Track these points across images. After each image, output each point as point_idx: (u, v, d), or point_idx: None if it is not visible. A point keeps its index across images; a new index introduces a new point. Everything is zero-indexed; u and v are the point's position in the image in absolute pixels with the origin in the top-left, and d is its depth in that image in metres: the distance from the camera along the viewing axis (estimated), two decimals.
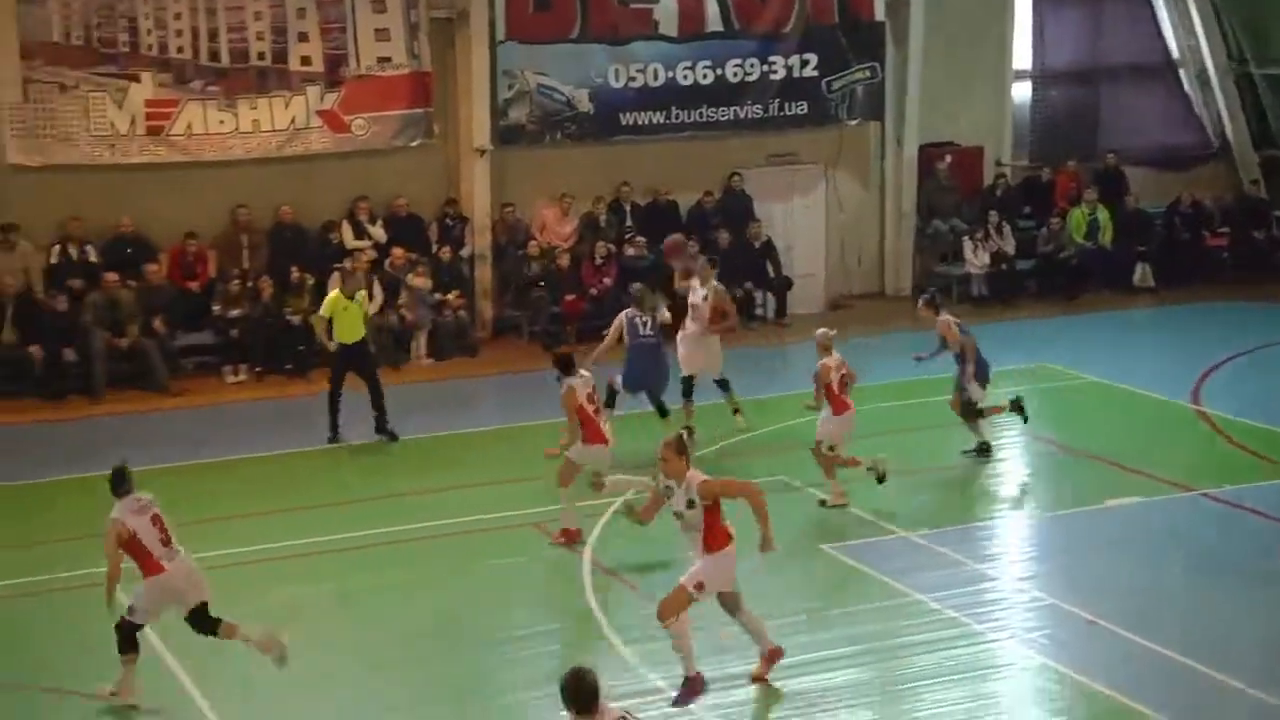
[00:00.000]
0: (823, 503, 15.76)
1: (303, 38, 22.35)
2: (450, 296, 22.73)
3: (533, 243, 23.41)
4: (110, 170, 21.62)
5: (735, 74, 24.39)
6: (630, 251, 23.62)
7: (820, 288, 25.53)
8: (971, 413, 17.23)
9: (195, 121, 21.84)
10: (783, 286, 24.61)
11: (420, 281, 22.44)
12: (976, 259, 25.27)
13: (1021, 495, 17.11)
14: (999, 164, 26.62)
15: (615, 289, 22.35)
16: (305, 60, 22.43)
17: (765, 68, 24.54)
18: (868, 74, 25.18)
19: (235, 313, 21.64)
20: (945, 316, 17.33)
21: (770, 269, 24.57)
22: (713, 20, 24.18)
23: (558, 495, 15.07)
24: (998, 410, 17.47)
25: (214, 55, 21.94)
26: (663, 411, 18.03)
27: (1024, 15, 26.88)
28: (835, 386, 15.71)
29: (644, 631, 13.00)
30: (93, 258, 21.46)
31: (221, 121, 22.00)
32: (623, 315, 18.15)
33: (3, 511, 16.50)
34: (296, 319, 21.69)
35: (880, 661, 12.62)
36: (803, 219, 25.57)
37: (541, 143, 23.84)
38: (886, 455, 15.96)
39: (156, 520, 11.73)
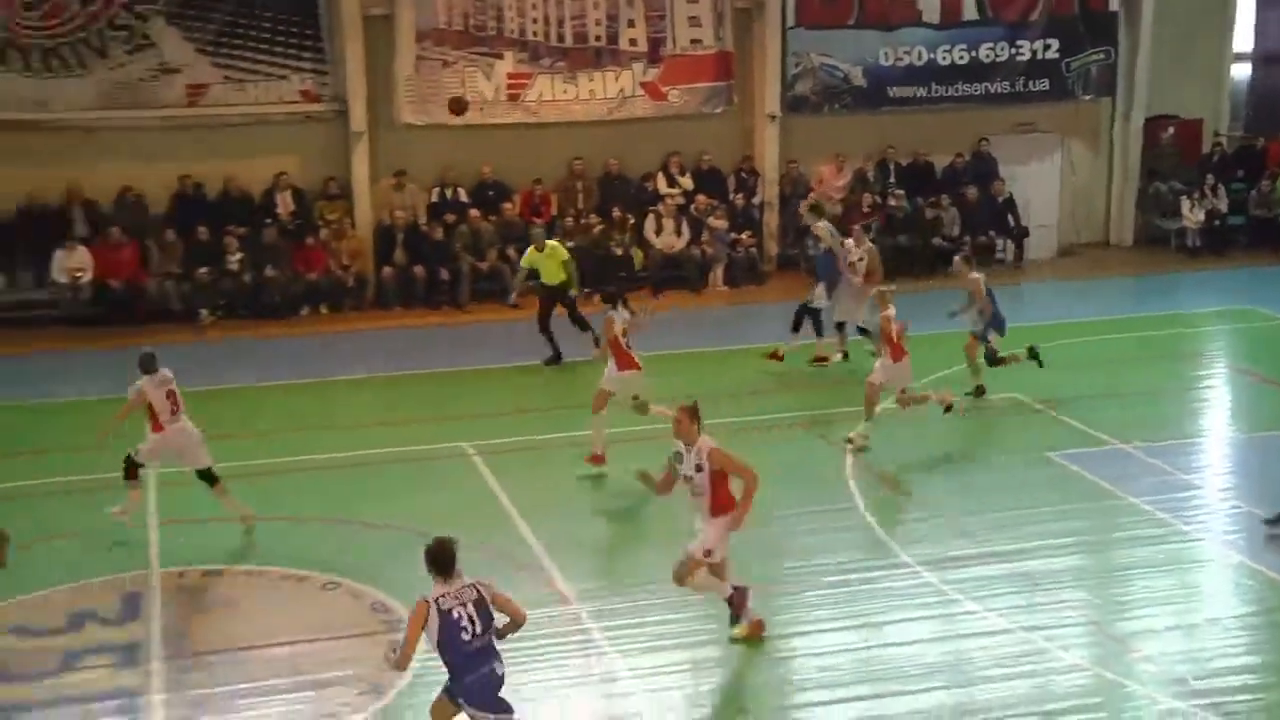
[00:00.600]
0: (850, 440, 14.61)
1: (630, 23, 22.47)
2: (743, 236, 22.77)
3: (811, 193, 23.24)
4: (478, 129, 22.00)
5: (987, 55, 23.68)
6: (892, 202, 23.33)
7: (1053, 237, 24.70)
8: (995, 360, 16.11)
9: (545, 91, 22.21)
10: (1021, 235, 23.91)
11: (718, 223, 22.56)
12: (1192, 215, 24.11)
13: (1225, 417, 16.41)
14: (1217, 134, 25.29)
15: (880, 233, 22.10)
16: (632, 42, 22.57)
17: (1013, 50, 23.78)
18: (1102, 56, 24.18)
19: (570, 244, 21.94)
20: (976, 275, 16.22)
21: (1011, 220, 23.92)
22: (969, 10, 23.50)
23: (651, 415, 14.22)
24: (1016, 359, 16.28)
25: (560, 38, 22.24)
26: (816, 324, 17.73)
27: (1246, 4, 25.43)
28: (895, 337, 14.59)
29: (897, 516, 13.02)
30: (463, 198, 22.00)
31: (565, 91, 22.32)
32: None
33: (418, 393, 17.19)
34: (618, 250, 22.08)
35: (1097, 552, 12.38)
36: (1040, 178, 24.67)
37: (821, 111, 23.53)
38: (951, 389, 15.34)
39: (170, 394, 12.53)
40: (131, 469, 12.68)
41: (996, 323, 16.11)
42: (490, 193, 22.18)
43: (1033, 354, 16.32)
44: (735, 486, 10.31)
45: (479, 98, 21.86)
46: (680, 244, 22.41)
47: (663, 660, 10.50)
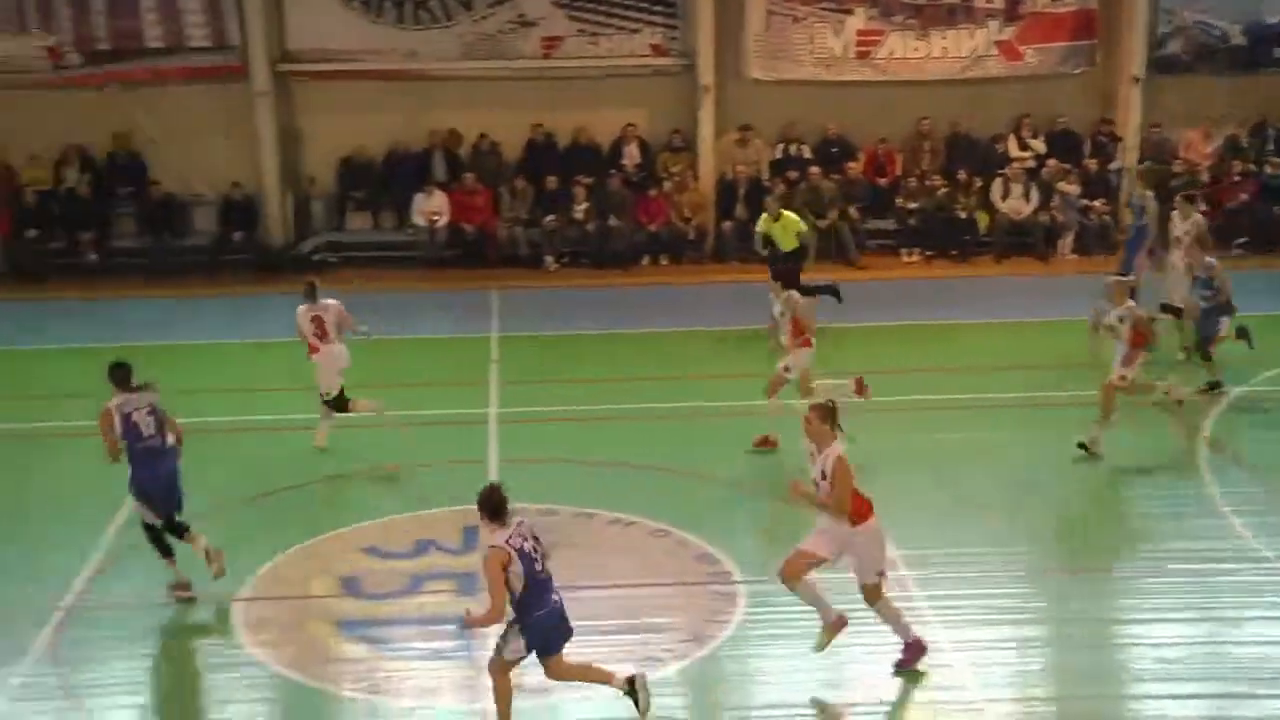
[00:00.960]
0: (1082, 445, 13.29)
1: None
2: (1096, 203, 21.74)
3: (1177, 161, 21.94)
4: (824, 86, 21.89)
5: None
6: (1269, 170, 21.73)
7: None
8: (1207, 348, 15.02)
9: (896, 48, 21.83)
10: None
11: (1070, 188, 21.61)
12: None
13: None
14: None
15: (1253, 204, 20.68)
16: None
17: None
18: None
19: (914, 205, 21.67)
20: (1212, 260, 15.01)
21: None
22: None
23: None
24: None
25: None
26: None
27: None
28: (1139, 331, 13.36)
29: (1258, 508, 12.19)
30: (806, 155, 21.90)
31: (916, 49, 21.86)
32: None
33: (753, 347, 16.99)
34: (962, 214, 21.52)
35: None
36: None
37: (1192, 72, 22.17)
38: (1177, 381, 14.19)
39: (315, 319, 13.53)
40: (340, 403, 13.69)
41: (1228, 308, 15.07)
42: (834, 150, 21.99)
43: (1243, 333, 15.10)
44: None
45: (828, 54, 21.74)
46: (1028, 209, 21.61)
47: (988, 635, 10.23)
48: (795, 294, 14.08)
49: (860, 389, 13.22)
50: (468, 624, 8.58)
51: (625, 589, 10.88)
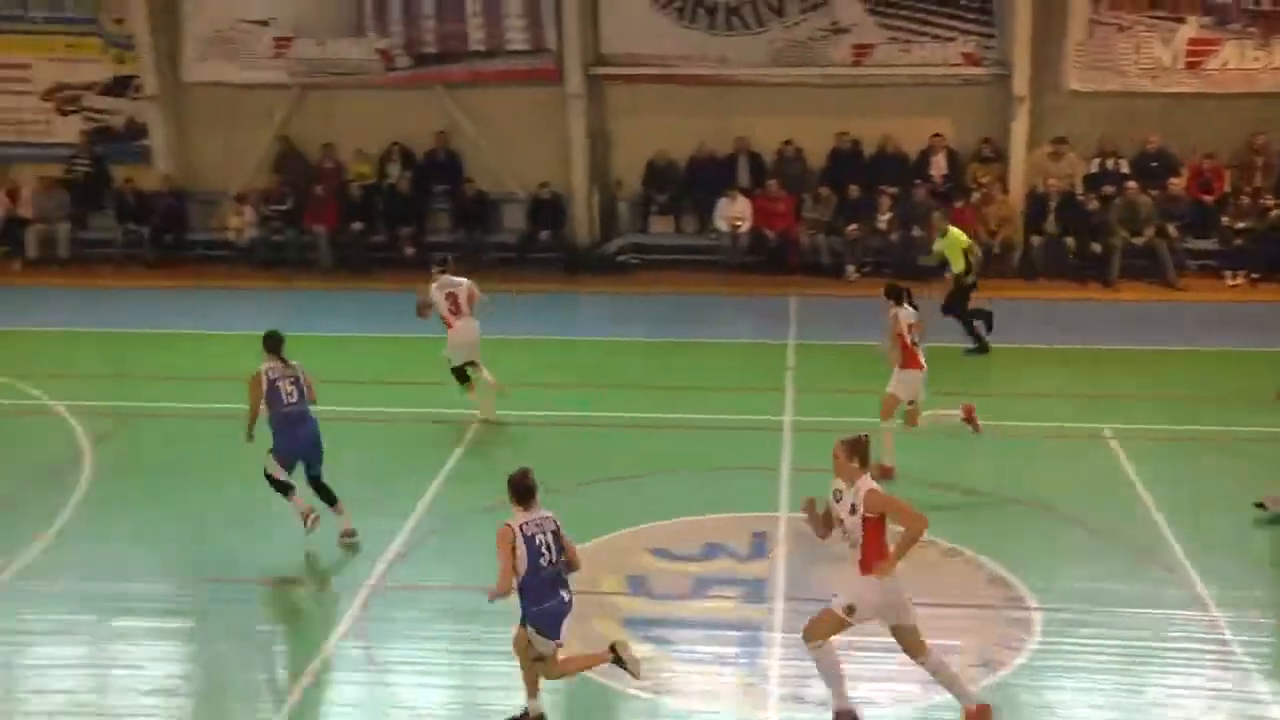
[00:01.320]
0: (1260, 505, 12.08)
1: None
2: None
3: None
4: (1145, 97, 20.97)
5: None
6: None
7: None
8: None
9: (1231, 58, 20.70)
10: None
11: None
12: None
13: None
14: None
15: None
16: None
17: None
18: None
19: (1242, 224, 20.48)
20: None
21: None
22: None
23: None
24: None
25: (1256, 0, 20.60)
26: None
27: None
28: None
29: None
30: (1123, 169, 21.02)
31: (1255, 59, 20.68)
32: None
33: (1054, 367, 16.71)
34: None
35: None
36: None
37: None
38: None
39: (449, 296, 14.38)
40: (459, 374, 14.53)
41: None
42: (1154, 164, 21.01)
43: None
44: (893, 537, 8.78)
45: (1154, 64, 20.75)
46: None
47: None
48: (897, 309, 13.03)
49: (970, 418, 12.91)
50: (491, 598, 8.76)
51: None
